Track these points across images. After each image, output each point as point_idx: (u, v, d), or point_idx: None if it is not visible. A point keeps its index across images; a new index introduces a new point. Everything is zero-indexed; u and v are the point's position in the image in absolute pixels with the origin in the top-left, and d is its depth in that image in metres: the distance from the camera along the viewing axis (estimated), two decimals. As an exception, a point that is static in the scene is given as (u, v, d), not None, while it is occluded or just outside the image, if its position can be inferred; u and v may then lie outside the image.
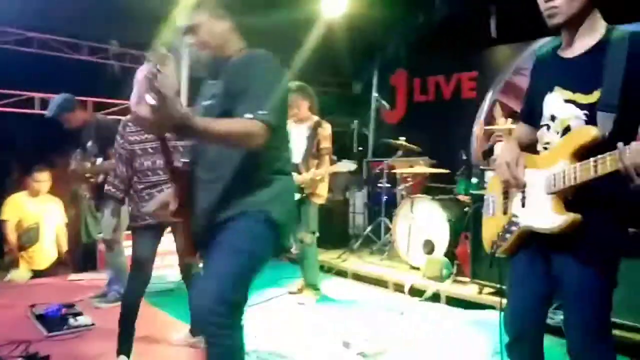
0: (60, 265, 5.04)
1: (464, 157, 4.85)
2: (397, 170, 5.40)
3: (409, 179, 5.32)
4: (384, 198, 5.58)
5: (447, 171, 5.13)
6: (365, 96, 7.84)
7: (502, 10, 6.11)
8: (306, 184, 3.97)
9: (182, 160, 1.96)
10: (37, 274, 4.79)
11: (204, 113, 1.85)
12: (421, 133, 5.92)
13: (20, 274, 4.69)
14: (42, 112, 5.16)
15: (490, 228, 1.91)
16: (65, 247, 5.05)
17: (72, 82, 5.37)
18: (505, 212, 1.84)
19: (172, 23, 5.55)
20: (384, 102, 6.03)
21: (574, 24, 1.62)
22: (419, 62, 7.31)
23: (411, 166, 5.37)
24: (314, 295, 4.11)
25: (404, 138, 5.45)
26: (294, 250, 4.29)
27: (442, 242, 4.47)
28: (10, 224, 4.71)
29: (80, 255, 5.25)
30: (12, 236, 4.70)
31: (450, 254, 4.36)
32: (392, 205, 5.59)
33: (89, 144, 3.88)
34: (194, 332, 3.04)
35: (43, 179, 4.81)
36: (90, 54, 5.77)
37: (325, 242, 5.77)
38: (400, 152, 5.48)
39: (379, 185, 5.68)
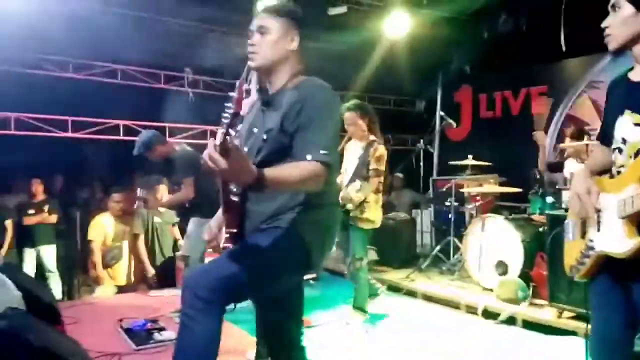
0: (141, 281, 5.32)
1: (538, 176, 4.71)
2: (466, 190, 5.31)
3: (478, 198, 5.22)
4: (452, 217, 5.50)
5: (519, 190, 4.99)
6: (429, 113, 7.82)
7: (572, 22, 5.93)
8: (352, 203, 3.81)
9: (234, 190, 1.89)
10: (120, 289, 5.09)
11: (260, 146, 1.84)
12: (488, 150, 5.82)
13: (105, 290, 5.00)
14: (126, 138, 5.58)
15: (571, 252, 1.91)
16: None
17: (152, 109, 5.78)
18: (583, 237, 1.84)
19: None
20: (449, 120, 5.98)
21: (630, 48, 1.64)
22: (484, 78, 7.21)
23: (480, 185, 5.27)
24: (361, 317, 4.03)
25: (471, 156, 5.38)
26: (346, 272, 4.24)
27: (516, 263, 4.34)
28: (96, 243, 5.05)
29: (157, 273, 5.54)
30: (98, 255, 5.03)
31: (524, 276, 4.23)
32: (459, 225, 5.51)
33: (170, 175, 4.13)
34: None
35: (120, 199, 5.13)
36: (167, 82, 6.15)
37: (392, 261, 5.79)
38: (468, 170, 5.40)
39: (446, 204, 5.61)
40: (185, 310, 1.70)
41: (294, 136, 1.76)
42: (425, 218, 6.55)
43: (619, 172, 1.73)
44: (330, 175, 1.78)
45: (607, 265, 1.73)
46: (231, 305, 1.86)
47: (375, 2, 6.03)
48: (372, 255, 5.74)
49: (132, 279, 5.26)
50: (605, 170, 1.86)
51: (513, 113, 6.79)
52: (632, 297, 1.67)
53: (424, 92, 8.05)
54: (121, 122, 5.69)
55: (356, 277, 3.99)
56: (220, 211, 2.06)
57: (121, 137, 5.65)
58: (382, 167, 3.91)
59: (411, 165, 6.13)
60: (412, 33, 6.21)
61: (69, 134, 5.56)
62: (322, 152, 1.69)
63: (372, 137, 3.96)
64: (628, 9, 1.62)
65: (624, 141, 1.69)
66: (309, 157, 1.68)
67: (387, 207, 6.82)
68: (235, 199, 1.89)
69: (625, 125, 1.68)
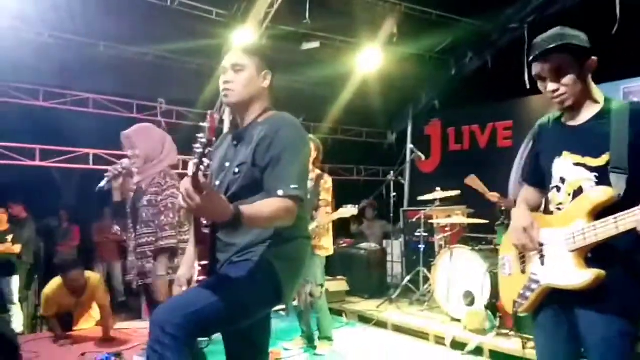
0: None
1: (503, 208, 4.84)
2: (435, 221, 5.41)
3: (447, 229, 5.32)
4: (422, 247, 5.57)
5: (486, 222, 5.11)
6: (400, 146, 7.99)
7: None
8: (323, 232, 4.01)
9: (205, 223, 1.90)
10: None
11: (231, 180, 1.86)
12: (457, 182, 5.94)
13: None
14: (96, 167, 5.52)
15: (510, 287, 1.96)
16: (106, 301, 4.89)
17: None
18: (523, 272, 1.89)
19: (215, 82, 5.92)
20: (419, 153, 6.13)
21: (580, 101, 1.77)
22: (453, 113, 7.43)
23: (449, 216, 5.38)
24: (329, 346, 4.13)
25: (439, 188, 5.49)
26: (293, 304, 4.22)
27: (483, 293, 4.41)
28: (52, 319, 4.39)
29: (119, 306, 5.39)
30: (58, 328, 4.39)
31: (491, 306, 4.29)
32: (429, 255, 5.58)
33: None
34: None
35: (77, 277, 4.30)
36: (140, 111, 6.14)
37: (363, 291, 5.80)
38: (437, 202, 5.51)
39: (416, 234, 5.70)
40: (151, 346, 1.68)
41: (265, 171, 1.79)
42: (396, 248, 6.60)
43: (558, 209, 1.81)
44: (300, 209, 1.80)
45: (549, 298, 1.79)
46: (206, 340, 1.84)
47: (347, 39, 6.23)
48: (343, 285, 5.75)
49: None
50: (533, 209, 1.95)
51: (480, 146, 6.99)
52: (576, 326, 1.73)
53: (396, 125, 8.25)
54: (91, 151, 5.63)
55: (317, 307, 4.07)
56: (187, 259, 2.04)
57: (90, 166, 5.58)
58: (330, 198, 4.12)
59: (382, 196, 6.20)
60: (383, 68, 6.41)
61: (37, 163, 5.47)
62: (292, 187, 1.73)
63: (318, 171, 4.12)
64: (573, 73, 1.71)
65: (563, 180, 1.79)
66: (280, 192, 1.72)
67: (358, 238, 6.88)
68: (206, 231, 1.90)
69: (564, 165, 1.79)
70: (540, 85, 1.79)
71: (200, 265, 1.90)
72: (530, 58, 1.76)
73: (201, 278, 1.89)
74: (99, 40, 5.38)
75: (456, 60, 7.18)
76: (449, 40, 6.62)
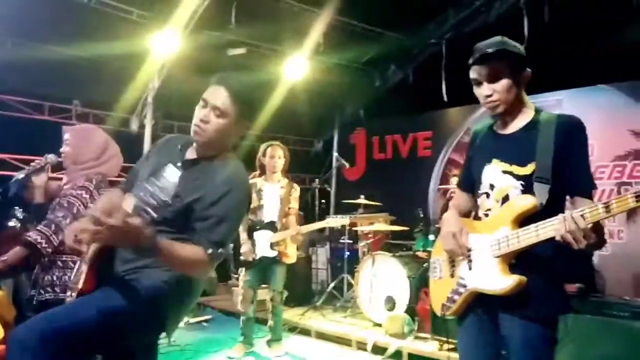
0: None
1: (421, 215, 5.04)
2: (358, 228, 5.53)
3: (370, 236, 5.45)
4: (346, 254, 5.67)
5: (406, 228, 5.29)
6: (327, 154, 8.11)
7: (452, 76, 6.57)
8: (293, 239, 4.17)
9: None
10: None
11: (158, 204, 1.75)
12: (380, 190, 6.14)
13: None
14: (0, 173, 5.10)
15: (439, 290, 2.00)
16: (11, 318, 4.52)
17: (33, 143, 5.35)
18: (452, 275, 1.94)
19: (137, 85, 5.72)
20: (343, 161, 6.25)
21: (511, 109, 1.84)
22: (376, 122, 7.67)
23: (372, 223, 5.51)
24: (280, 347, 4.27)
25: (363, 196, 5.63)
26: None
27: (403, 298, 4.55)
28: None
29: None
30: None
31: (411, 310, 4.44)
32: (354, 262, 5.68)
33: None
34: None
35: None
36: (52, 114, 5.78)
37: (288, 299, 5.75)
38: (361, 209, 5.63)
39: (341, 241, 5.79)
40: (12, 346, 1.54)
41: (200, 219, 1.73)
42: (321, 255, 6.66)
43: (486, 215, 1.87)
44: None
45: (476, 303, 1.85)
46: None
47: (273, 46, 6.24)
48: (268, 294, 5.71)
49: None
50: (465, 214, 2.01)
51: (403, 155, 7.25)
52: (499, 331, 1.80)
53: (322, 133, 8.37)
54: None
55: (275, 311, 4.24)
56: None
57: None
58: (297, 206, 4.32)
59: (308, 204, 6.26)
60: (310, 77, 6.48)
61: None
62: (221, 249, 1.71)
63: (286, 180, 4.28)
64: (508, 80, 1.79)
65: (492, 187, 1.85)
66: (209, 251, 1.68)
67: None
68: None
69: (493, 172, 1.85)
70: (475, 90, 1.83)
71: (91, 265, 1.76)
72: (470, 61, 1.80)
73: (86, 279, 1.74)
74: (7, 37, 5.01)
75: (380, 72, 7.43)
76: (373, 52, 6.83)
